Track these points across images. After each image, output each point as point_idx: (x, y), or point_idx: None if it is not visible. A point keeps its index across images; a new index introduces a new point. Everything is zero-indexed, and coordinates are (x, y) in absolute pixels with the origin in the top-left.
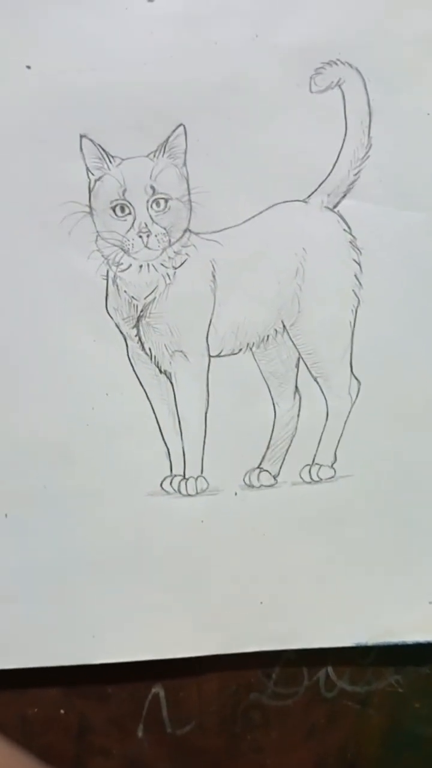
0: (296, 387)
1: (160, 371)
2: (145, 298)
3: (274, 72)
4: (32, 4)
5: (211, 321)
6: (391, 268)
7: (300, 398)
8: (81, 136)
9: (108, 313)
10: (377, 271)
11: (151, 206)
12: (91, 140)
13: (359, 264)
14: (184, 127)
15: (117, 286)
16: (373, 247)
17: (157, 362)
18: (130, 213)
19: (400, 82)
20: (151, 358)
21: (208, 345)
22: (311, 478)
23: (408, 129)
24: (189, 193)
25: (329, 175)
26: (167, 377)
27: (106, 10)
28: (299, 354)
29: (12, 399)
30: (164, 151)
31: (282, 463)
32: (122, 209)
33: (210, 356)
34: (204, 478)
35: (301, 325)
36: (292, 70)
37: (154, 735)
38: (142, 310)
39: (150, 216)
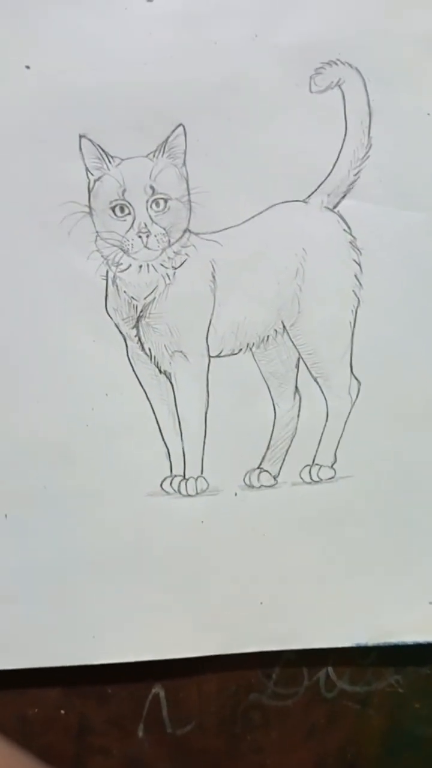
0: (296, 387)
1: (160, 371)
2: (144, 299)
3: (274, 72)
4: (32, 4)
5: (210, 321)
6: (391, 268)
7: (300, 398)
8: (80, 136)
9: (108, 313)
10: (377, 271)
11: (151, 206)
12: (90, 140)
13: (359, 264)
14: (184, 128)
15: (117, 286)
16: (373, 247)
17: (157, 362)
18: (129, 213)
19: (400, 82)
20: (150, 359)
21: (207, 345)
22: (311, 479)
23: (408, 129)
24: (189, 194)
25: (329, 175)
26: (167, 377)
27: (105, 10)
28: (299, 354)
29: (12, 399)
30: (164, 151)
31: (282, 463)
32: (122, 209)
33: (210, 356)
34: (204, 478)
35: (301, 326)
36: (292, 70)
37: (154, 735)
38: (141, 311)
39: (149, 216)
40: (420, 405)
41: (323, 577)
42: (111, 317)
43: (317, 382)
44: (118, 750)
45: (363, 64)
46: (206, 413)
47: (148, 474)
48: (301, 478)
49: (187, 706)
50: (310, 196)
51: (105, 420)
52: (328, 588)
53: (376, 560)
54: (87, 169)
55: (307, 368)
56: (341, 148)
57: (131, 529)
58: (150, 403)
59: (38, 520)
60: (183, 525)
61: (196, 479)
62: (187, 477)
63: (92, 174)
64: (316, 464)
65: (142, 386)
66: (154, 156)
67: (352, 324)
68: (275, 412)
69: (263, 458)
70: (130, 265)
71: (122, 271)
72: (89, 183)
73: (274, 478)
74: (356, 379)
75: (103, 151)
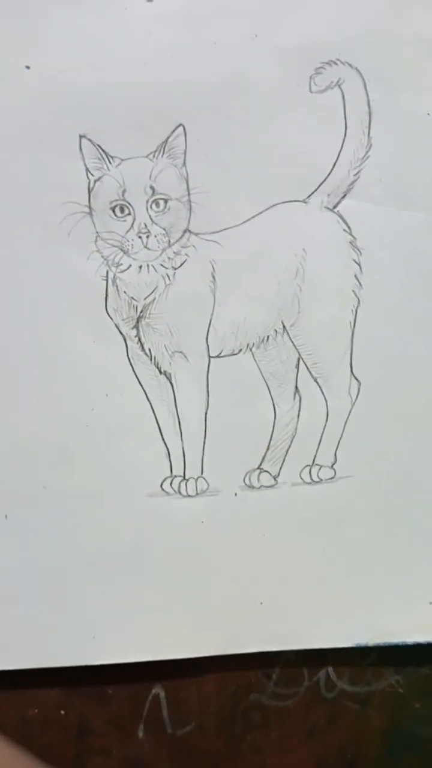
0: (296, 387)
1: (160, 372)
2: (144, 299)
3: (274, 72)
4: (32, 4)
5: (210, 321)
6: (391, 268)
7: (300, 399)
8: (80, 137)
9: (108, 313)
10: (377, 271)
11: (151, 207)
12: (90, 140)
13: (359, 264)
14: (184, 128)
15: (117, 286)
16: (373, 247)
17: (157, 363)
18: (129, 213)
19: (400, 82)
20: (150, 359)
21: (207, 345)
22: (311, 479)
23: (408, 129)
24: (189, 194)
25: (329, 175)
26: (167, 378)
27: (105, 10)
28: (299, 354)
29: (12, 399)
30: (164, 152)
31: (282, 463)
32: (122, 210)
33: (210, 357)
34: (204, 478)
35: (301, 326)
36: (292, 70)
37: (154, 735)
38: (141, 311)
39: (149, 216)
40: (420, 405)
41: (323, 577)
42: (111, 317)
43: (317, 383)
44: (118, 750)
45: (363, 64)
46: (206, 413)
47: (148, 474)
48: (301, 479)
49: (187, 707)
50: (310, 196)
51: (105, 420)
52: (328, 588)
53: (376, 560)
54: (87, 170)
55: (307, 368)
56: (341, 148)
57: (131, 529)
58: (150, 404)
59: (38, 521)
60: (183, 525)
61: (196, 479)
62: (187, 477)
63: (92, 174)
64: (316, 464)
65: (142, 386)
66: (154, 156)
67: (352, 324)
68: (275, 413)
69: (263, 458)
70: (130, 266)
71: (122, 271)
72: (89, 183)
73: (274, 478)
74: (356, 379)
75: (103, 151)
